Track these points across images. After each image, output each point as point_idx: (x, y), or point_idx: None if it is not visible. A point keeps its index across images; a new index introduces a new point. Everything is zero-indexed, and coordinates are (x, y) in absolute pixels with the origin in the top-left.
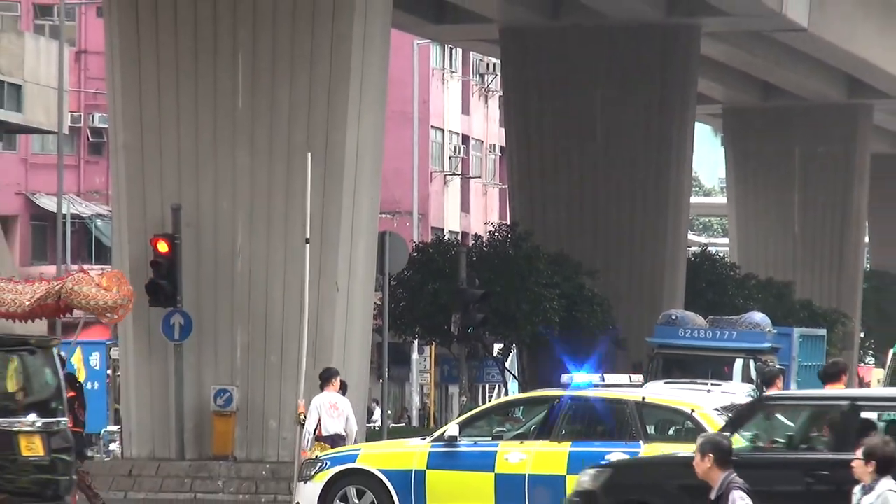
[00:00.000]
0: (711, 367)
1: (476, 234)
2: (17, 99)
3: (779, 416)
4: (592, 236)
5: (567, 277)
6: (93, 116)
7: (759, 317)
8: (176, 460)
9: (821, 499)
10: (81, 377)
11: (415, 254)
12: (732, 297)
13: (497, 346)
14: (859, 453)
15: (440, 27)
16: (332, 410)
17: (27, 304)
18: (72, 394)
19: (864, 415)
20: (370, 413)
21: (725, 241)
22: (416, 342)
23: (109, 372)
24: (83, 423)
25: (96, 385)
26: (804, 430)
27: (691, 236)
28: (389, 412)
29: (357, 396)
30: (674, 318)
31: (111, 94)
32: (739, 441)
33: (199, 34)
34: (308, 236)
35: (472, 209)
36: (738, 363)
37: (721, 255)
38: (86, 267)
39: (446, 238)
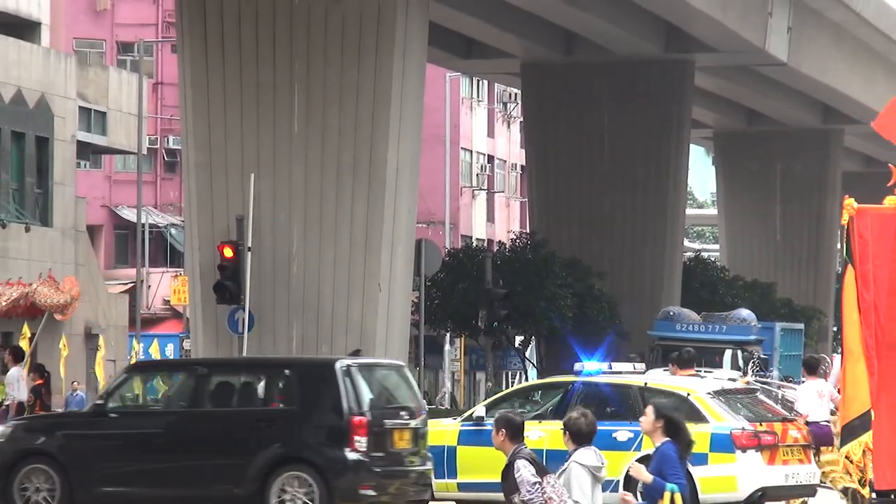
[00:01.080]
0: (704, 356)
1: (500, 242)
2: (102, 124)
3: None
4: (600, 243)
5: (579, 279)
6: (168, 139)
7: (745, 313)
8: None
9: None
10: None
11: (447, 258)
12: (722, 296)
13: (518, 338)
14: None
15: (469, 62)
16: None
17: (3, 305)
18: (40, 381)
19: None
20: None
21: (716, 247)
22: (448, 335)
23: None
24: (48, 407)
25: None
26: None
27: (686, 243)
28: (426, 396)
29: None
30: (671, 314)
31: (184, 120)
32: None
33: (260, 68)
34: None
35: (496, 219)
36: (728, 353)
37: (712, 259)
38: (161, 270)
39: (474, 245)
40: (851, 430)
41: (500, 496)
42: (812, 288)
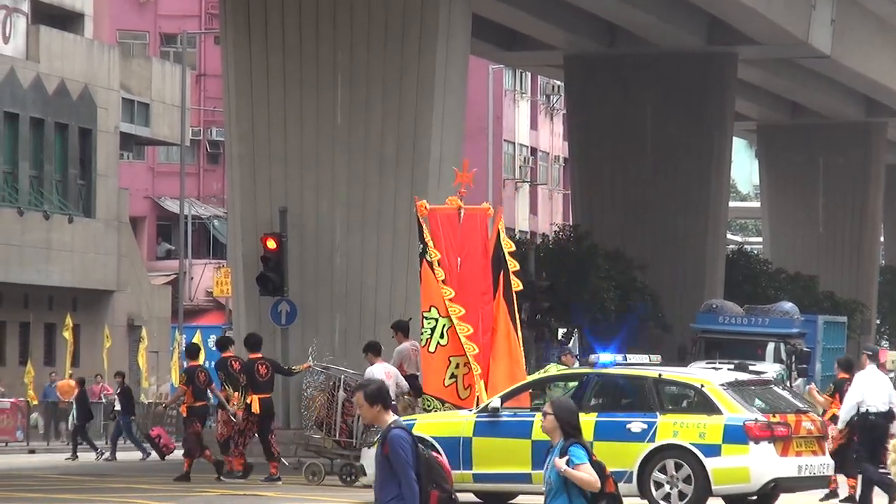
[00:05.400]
0: (747, 349)
1: (543, 234)
2: (145, 115)
3: None
4: (643, 235)
5: (621, 271)
6: (211, 130)
7: (788, 306)
8: (282, 429)
9: None
10: (201, 357)
11: None
12: (765, 289)
13: (561, 331)
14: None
15: (512, 54)
16: (386, 379)
17: None
18: None
19: None
20: None
21: (759, 240)
22: None
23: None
24: None
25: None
26: None
27: (729, 236)
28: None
29: None
30: (714, 306)
31: (227, 111)
32: None
33: (303, 59)
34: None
35: (539, 212)
36: (770, 346)
37: (755, 252)
38: (204, 261)
39: (517, 237)
40: None
41: (514, 487)
42: (854, 281)
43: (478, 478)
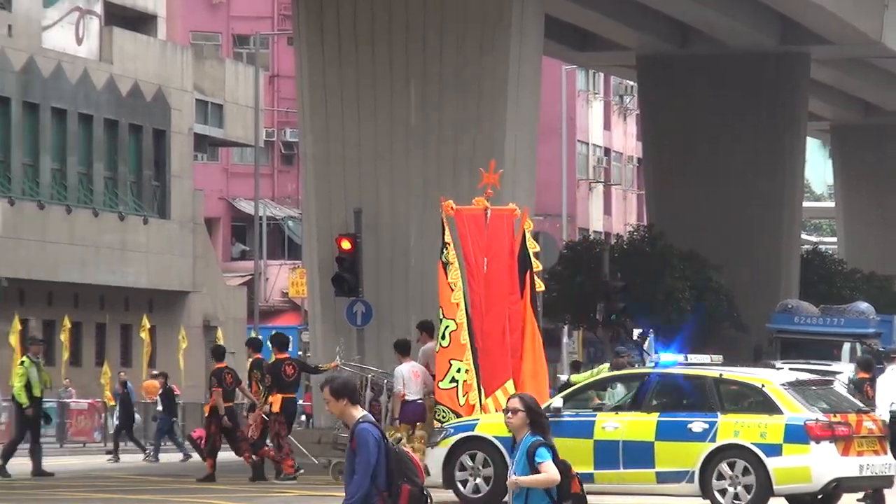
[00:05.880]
0: (823, 349)
1: (617, 234)
2: (219, 117)
3: None
4: (718, 235)
5: (696, 271)
6: (284, 131)
7: (864, 306)
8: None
9: None
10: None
11: (564, 251)
12: (840, 289)
13: (636, 331)
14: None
15: (585, 54)
16: (414, 378)
17: None
18: None
19: None
20: None
21: (834, 240)
22: (566, 327)
23: (300, 353)
24: None
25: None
26: None
27: (803, 236)
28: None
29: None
30: (790, 306)
31: (301, 112)
32: None
33: (376, 60)
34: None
35: (613, 212)
36: (846, 346)
37: (830, 252)
38: (279, 262)
39: (591, 237)
40: None
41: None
42: None
43: None
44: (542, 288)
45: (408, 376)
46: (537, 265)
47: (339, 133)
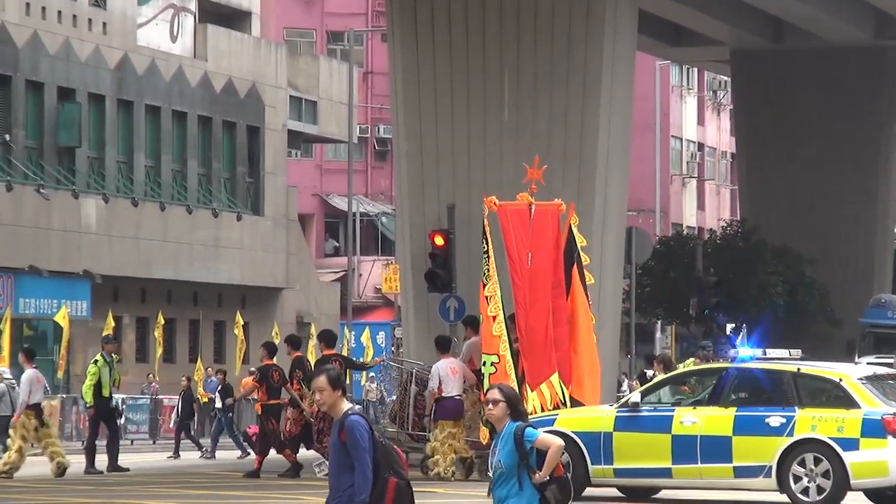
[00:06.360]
0: None
1: (710, 229)
2: (313, 113)
3: None
4: (811, 230)
5: (789, 266)
6: (378, 128)
7: None
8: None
9: None
10: (369, 355)
11: (657, 246)
12: None
13: (729, 326)
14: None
15: (678, 49)
16: (452, 374)
17: None
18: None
19: None
20: (619, 384)
21: None
22: (659, 322)
23: (393, 349)
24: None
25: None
26: None
27: None
28: (636, 382)
29: (608, 370)
30: (883, 301)
31: (394, 109)
32: None
33: (470, 56)
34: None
35: (706, 207)
36: None
37: None
38: (372, 258)
39: (684, 233)
40: None
41: (655, 481)
42: None
43: (619, 473)
44: (592, 281)
45: (445, 372)
46: (586, 259)
47: (432, 129)
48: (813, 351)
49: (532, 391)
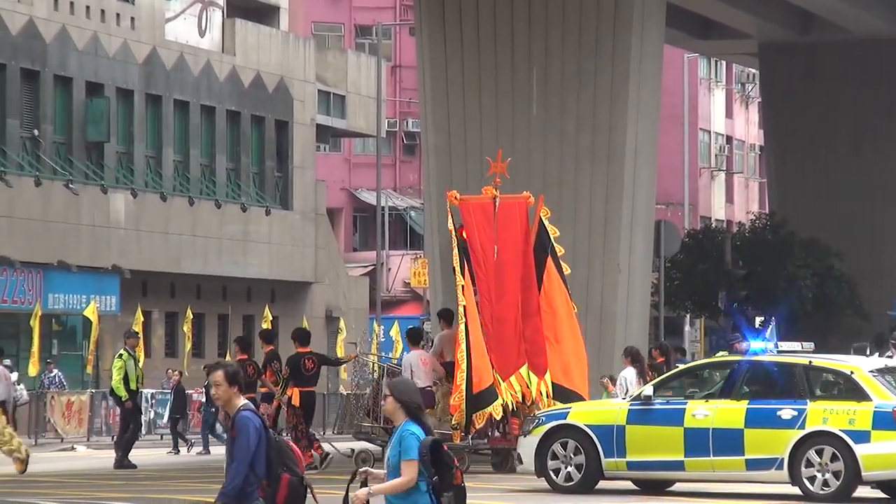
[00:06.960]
0: None
1: (739, 222)
2: (341, 107)
3: None
4: (840, 223)
5: (818, 259)
6: (406, 122)
7: None
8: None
9: None
10: (398, 350)
11: (686, 239)
12: None
13: (758, 319)
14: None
15: (707, 42)
16: (423, 366)
17: None
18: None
19: None
20: None
21: None
22: (687, 316)
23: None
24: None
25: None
26: None
27: None
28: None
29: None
30: None
31: (422, 103)
32: None
33: (498, 51)
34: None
35: (735, 200)
36: None
37: None
38: (401, 252)
39: (713, 226)
40: None
41: (668, 474)
42: None
43: (632, 465)
44: (569, 271)
45: (416, 364)
46: (560, 249)
47: (460, 123)
48: (841, 344)
49: (503, 382)
